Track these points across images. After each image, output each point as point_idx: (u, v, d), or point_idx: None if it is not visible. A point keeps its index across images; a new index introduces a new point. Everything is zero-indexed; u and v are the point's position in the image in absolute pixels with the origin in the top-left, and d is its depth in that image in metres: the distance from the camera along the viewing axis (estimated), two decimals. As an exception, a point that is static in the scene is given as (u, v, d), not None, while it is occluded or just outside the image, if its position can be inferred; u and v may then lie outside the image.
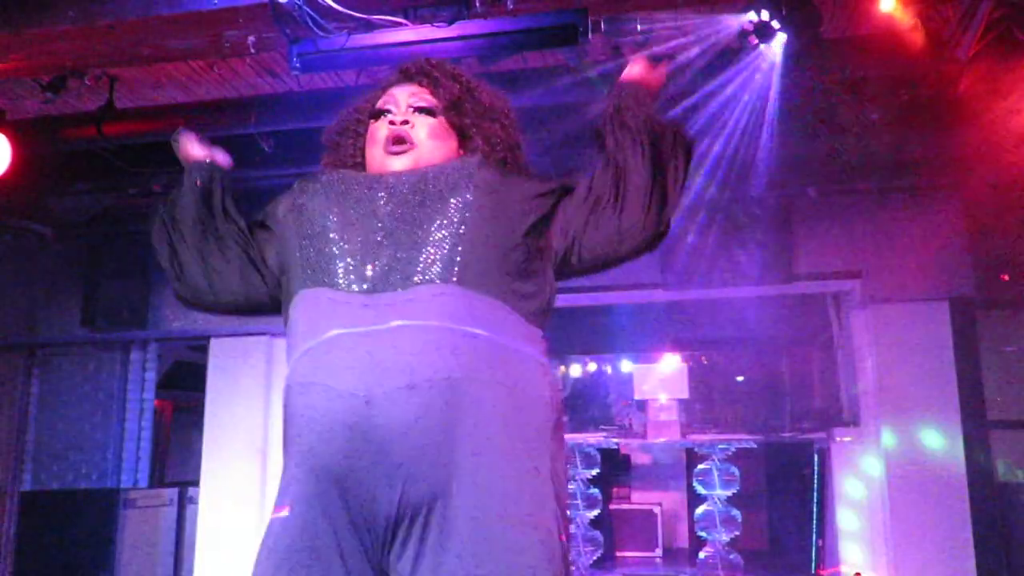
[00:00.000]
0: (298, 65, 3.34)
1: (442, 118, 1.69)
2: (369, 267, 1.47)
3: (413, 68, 1.76)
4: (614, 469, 8.00)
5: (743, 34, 3.47)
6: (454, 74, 1.75)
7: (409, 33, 3.25)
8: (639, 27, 3.29)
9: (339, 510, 1.39)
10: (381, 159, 1.65)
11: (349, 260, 1.49)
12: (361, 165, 1.72)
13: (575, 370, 8.91)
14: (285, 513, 1.42)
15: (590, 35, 3.23)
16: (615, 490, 8.11)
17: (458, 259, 1.46)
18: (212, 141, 1.81)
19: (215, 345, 6.16)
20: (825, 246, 5.64)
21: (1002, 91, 3.88)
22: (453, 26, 3.22)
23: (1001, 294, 5.49)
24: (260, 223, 1.72)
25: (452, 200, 1.51)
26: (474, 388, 1.40)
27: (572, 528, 6.55)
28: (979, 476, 5.27)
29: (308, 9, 3.07)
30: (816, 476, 6.45)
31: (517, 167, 1.72)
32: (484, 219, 1.50)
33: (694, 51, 3.46)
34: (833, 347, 6.40)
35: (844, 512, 5.85)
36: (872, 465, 5.55)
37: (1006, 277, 5.39)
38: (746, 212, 5.41)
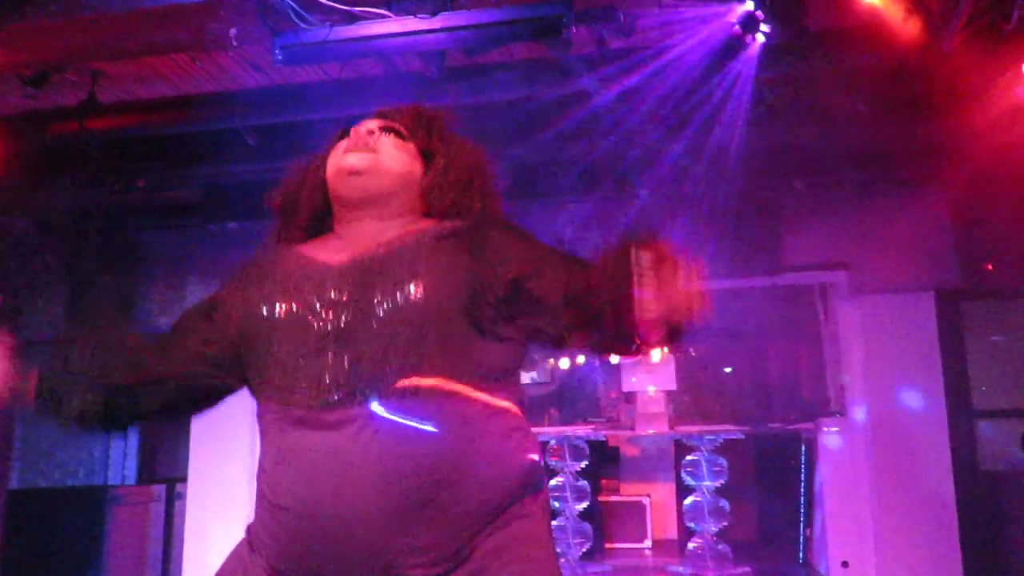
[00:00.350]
0: (280, 57, 3.33)
1: (411, 144, 1.67)
2: (323, 378, 1.42)
3: (387, 110, 1.75)
4: (603, 461, 8.00)
5: (728, 25, 3.48)
6: (422, 108, 1.75)
7: (392, 25, 3.24)
8: (623, 18, 3.29)
9: None
10: (339, 160, 1.62)
11: (303, 369, 1.44)
12: (322, 187, 1.67)
13: (564, 363, 8.90)
14: None
15: (574, 27, 3.23)
16: (604, 482, 8.12)
17: (418, 360, 1.41)
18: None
19: (202, 340, 6.11)
20: (811, 238, 5.66)
21: (986, 82, 3.90)
22: (437, 17, 3.21)
23: (986, 284, 5.53)
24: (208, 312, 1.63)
25: (404, 295, 1.44)
26: (448, 489, 1.39)
27: (562, 521, 6.58)
28: (964, 465, 5.31)
29: (290, 1, 3.06)
30: (804, 466, 6.48)
31: (482, 195, 1.67)
32: (443, 311, 1.43)
33: (679, 43, 3.46)
34: (820, 338, 6.43)
35: (831, 502, 5.88)
36: (859, 455, 5.58)
37: (990, 267, 5.42)
38: (732, 204, 5.42)
